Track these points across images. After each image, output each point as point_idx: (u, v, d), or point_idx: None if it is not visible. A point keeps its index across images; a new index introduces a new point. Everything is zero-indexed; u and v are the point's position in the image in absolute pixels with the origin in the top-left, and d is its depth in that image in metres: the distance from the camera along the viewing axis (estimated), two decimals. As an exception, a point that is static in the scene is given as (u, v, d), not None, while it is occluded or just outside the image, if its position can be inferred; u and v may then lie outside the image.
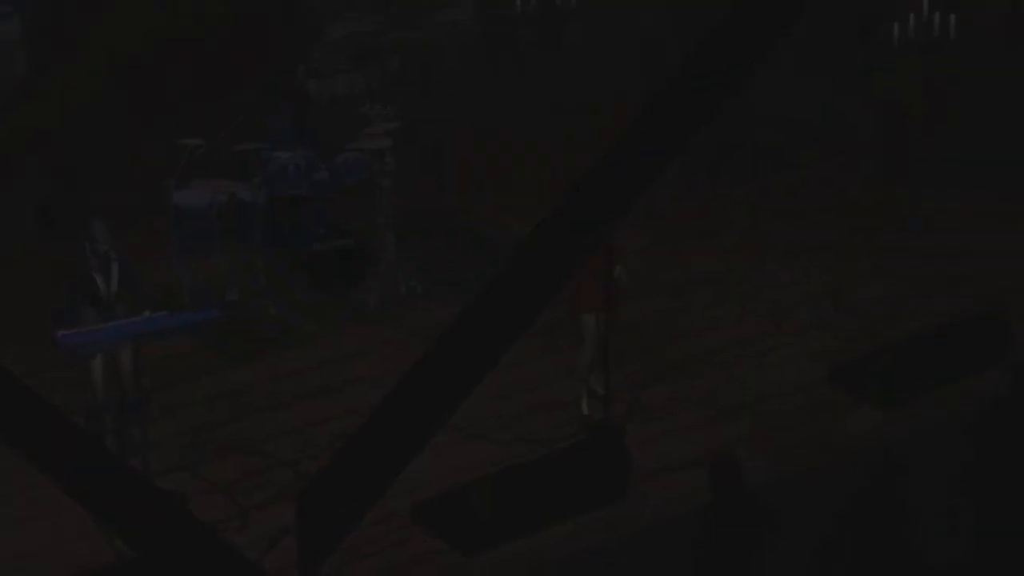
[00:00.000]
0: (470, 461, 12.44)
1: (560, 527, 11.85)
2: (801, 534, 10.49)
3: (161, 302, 12.76)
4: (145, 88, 15.76)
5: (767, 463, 12.55)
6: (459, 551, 11.61)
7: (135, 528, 7.95)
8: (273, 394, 13.48)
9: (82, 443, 7.98)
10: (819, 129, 17.80)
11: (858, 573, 10.62)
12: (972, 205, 16.59)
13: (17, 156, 10.76)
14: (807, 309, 14.75)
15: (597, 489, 12.04)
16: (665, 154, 7.57)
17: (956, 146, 16.80)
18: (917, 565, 10.63)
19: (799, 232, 16.17)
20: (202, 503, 11.99)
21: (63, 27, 15.22)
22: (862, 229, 16.20)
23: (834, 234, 16.13)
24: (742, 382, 13.66)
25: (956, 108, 17.04)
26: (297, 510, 8.24)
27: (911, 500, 10.57)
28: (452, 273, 15.26)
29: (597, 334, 12.97)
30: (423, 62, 17.01)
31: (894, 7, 16.72)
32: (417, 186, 16.42)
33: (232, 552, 8.25)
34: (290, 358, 14.00)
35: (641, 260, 15.30)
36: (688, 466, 12.53)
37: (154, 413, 12.70)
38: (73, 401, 12.64)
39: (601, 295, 12.69)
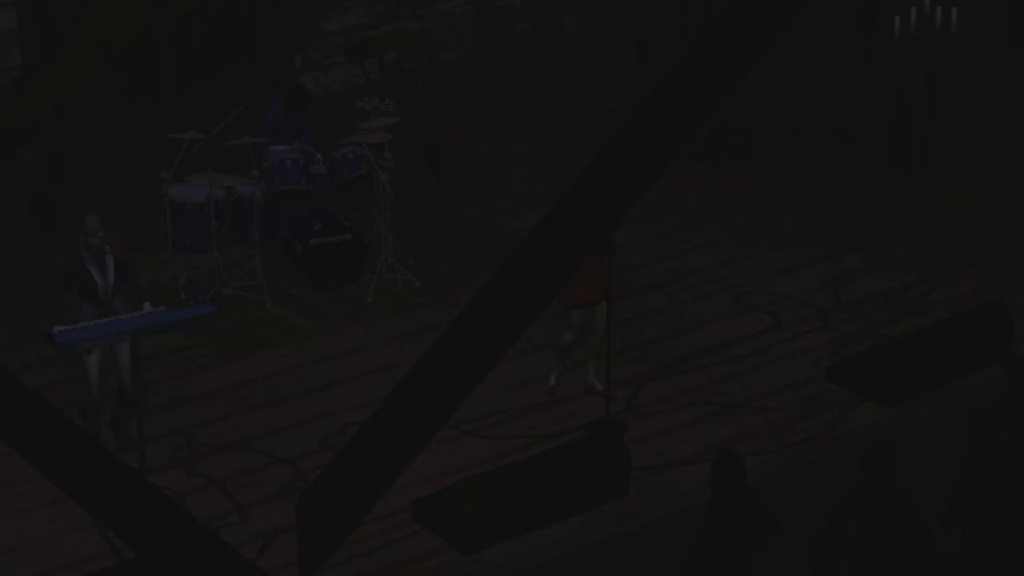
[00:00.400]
0: (468, 458, 12.39)
1: (560, 524, 11.80)
2: (801, 532, 10.43)
3: (157, 299, 12.70)
4: (137, 80, 15.68)
5: (766, 460, 12.49)
6: (458, 549, 11.55)
7: (130, 525, 7.91)
8: (270, 390, 13.42)
9: (77, 440, 7.93)
10: (820, 117, 17.71)
11: (860, 571, 10.58)
12: (976, 196, 16.53)
13: (11, 150, 10.70)
14: (807, 302, 14.68)
15: (597, 486, 11.98)
16: (666, 148, 7.53)
17: (960, 136, 16.71)
18: (918, 563, 10.58)
19: (799, 223, 16.10)
20: (199, 499, 11.95)
21: (52, 18, 15.14)
22: (864, 219, 16.13)
23: (835, 225, 16.05)
24: (741, 378, 13.60)
25: (959, 98, 16.94)
26: (298, 510, 8.20)
27: (911, 498, 10.52)
28: (449, 268, 15.20)
29: (586, 326, 12.99)
30: (422, 54, 16.91)
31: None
32: (415, 180, 16.35)
33: (228, 550, 8.20)
34: (287, 354, 13.93)
35: (638, 253, 15.25)
36: (687, 463, 12.48)
37: (150, 408, 12.63)
38: (68, 397, 12.58)
39: (592, 288, 12.65)
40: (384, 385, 12.49)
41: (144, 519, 7.78)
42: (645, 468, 12.35)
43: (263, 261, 14.60)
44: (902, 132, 17.01)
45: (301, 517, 8.51)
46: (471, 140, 17.43)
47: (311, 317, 14.48)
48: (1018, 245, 15.54)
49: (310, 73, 17.68)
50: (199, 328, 12.89)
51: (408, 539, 11.67)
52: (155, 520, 7.79)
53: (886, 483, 10.41)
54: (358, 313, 14.55)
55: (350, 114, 15.55)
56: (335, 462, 8.44)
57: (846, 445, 12.61)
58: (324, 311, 14.57)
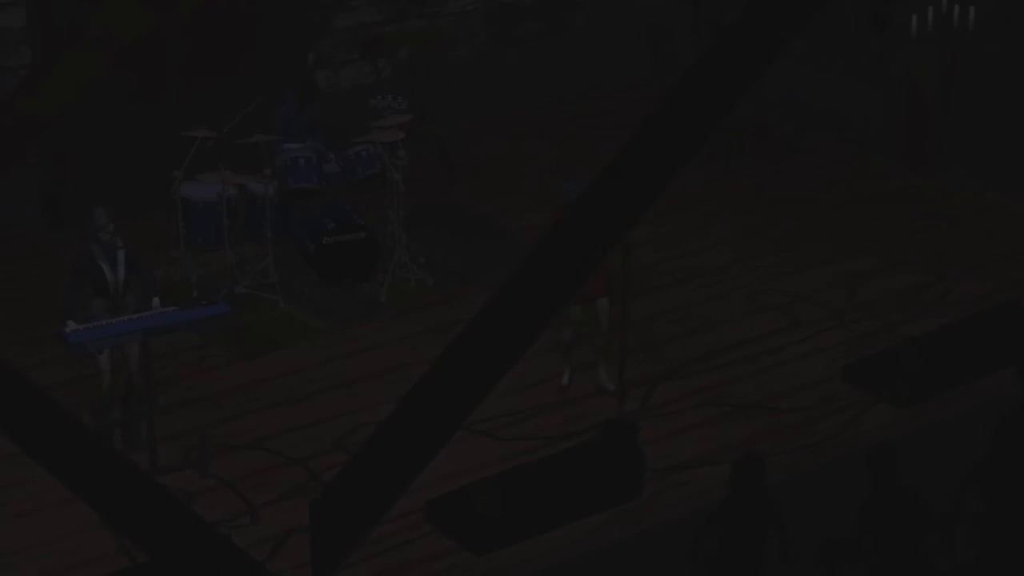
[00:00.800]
0: (480, 459, 12.33)
1: (573, 526, 11.74)
2: (813, 534, 10.38)
3: (169, 297, 12.65)
4: (144, 78, 15.66)
5: (780, 461, 12.42)
6: (471, 550, 11.50)
7: (139, 526, 7.85)
8: (282, 389, 13.37)
9: (86, 440, 7.88)
10: (832, 116, 17.64)
11: (871, 573, 10.53)
12: (991, 196, 16.45)
13: (20, 149, 10.70)
14: (821, 302, 14.62)
15: (611, 487, 11.92)
16: (686, 148, 7.47)
17: (975, 136, 16.64)
18: (930, 565, 10.54)
19: (812, 222, 16.04)
20: (210, 500, 11.90)
21: (55, 17, 15.13)
22: (877, 219, 16.07)
23: (848, 224, 15.99)
24: (755, 378, 13.54)
25: (973, 96, 16.87)
26: (312, 511, 8.14)
27: (924, 500, 10.47)
28: (461, 264, 15.16)
29: (586, 322, 12.98)
30: (432, 52, 16.88)
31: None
32: (426, 178, 16.31)
33: (238, 553, 8.15)
34: (299, 353, 13.89)
35: (650, 253, 15.18)
36: (700, 464, 12.42)
37: (161, 407, 12.58)
38: (76, 397, 12.54)
39: (588, 285, 12.57)
40: (398, 384, 12.47)
41: (153, 520, 7.72)
42: (658, 469, 12.29)
43: (276, 260, 14.56)
44: (917, 131, 16.94)
45: (315, 518, 8.44)
46: (482, 137, 17.39)
47: (324, 316, 14.44)
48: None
49: (321, 71, 17.65)
50: (212, 327, 12.83)
51: (419, 540, 11.62)
52: (164, 521, 7.74)
53: (891, 486, 10.35)
54: (371, 312, 14.51)
55: (361, 112, 15.51)
56: (351, 463, 8.37)
57: (860, 446, 12.54)
58: (337, 310, 14.53)
